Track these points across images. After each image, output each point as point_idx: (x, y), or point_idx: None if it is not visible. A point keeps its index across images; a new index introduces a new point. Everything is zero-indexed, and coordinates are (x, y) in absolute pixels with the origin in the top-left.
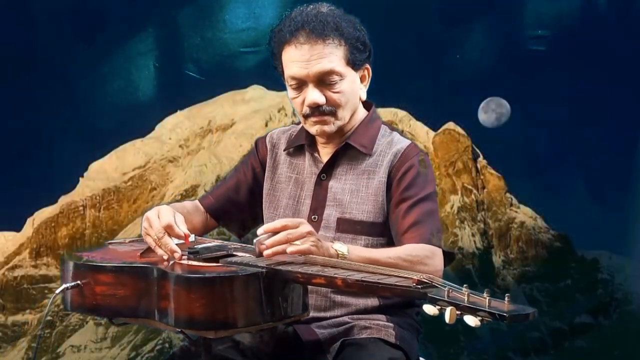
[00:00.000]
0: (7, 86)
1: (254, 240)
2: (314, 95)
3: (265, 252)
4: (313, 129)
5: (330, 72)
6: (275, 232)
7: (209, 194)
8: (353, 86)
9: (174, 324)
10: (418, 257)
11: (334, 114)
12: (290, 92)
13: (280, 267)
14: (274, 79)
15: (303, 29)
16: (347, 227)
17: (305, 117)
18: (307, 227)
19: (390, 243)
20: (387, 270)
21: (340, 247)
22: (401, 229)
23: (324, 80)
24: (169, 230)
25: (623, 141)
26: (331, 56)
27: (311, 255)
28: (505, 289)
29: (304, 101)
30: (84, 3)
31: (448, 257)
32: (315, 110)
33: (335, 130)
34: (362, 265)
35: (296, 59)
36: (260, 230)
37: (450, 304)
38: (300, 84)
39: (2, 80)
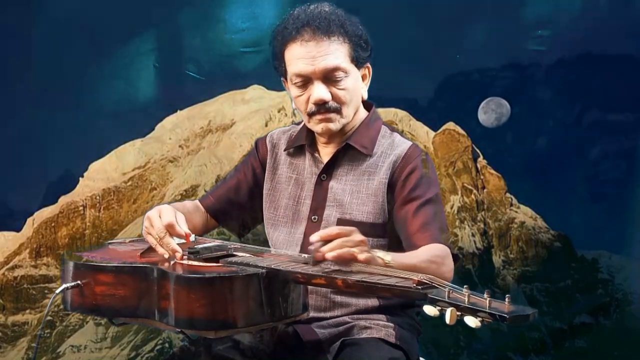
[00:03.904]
0: (6, 86)
1: (310, 248)
2: (319, 91)
3: (329, 255)
4: (318, 127)
5: (336, 69)
6: (329, 240)
7: (209, 194)
8: (356, 84)
9: (174, 324)
10: (440, 258)
11: (339, 111)
12: (294, 91)
13: (280, 267)
14: (274, 79)
15: (309, 26)
16: None
17: (310, 115)
18: (360, 236)
19: (391, 243)
20: (387, 271)
21: (385, 256)
22: (411, 230)
23: (329, 77)
24: (170, 230)
25: (623, 141)
26: (337, 52)
27: (367, 265)
28: (505, 289)
29: (308, 99)
30: (84, 3)
31: (453, 258)
32: (321, 107)
33: (340, 127)
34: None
35: (302, 55)
36: (314, 237)
37: (451, 304)
38: (306, 82)
39: (1, 80)
